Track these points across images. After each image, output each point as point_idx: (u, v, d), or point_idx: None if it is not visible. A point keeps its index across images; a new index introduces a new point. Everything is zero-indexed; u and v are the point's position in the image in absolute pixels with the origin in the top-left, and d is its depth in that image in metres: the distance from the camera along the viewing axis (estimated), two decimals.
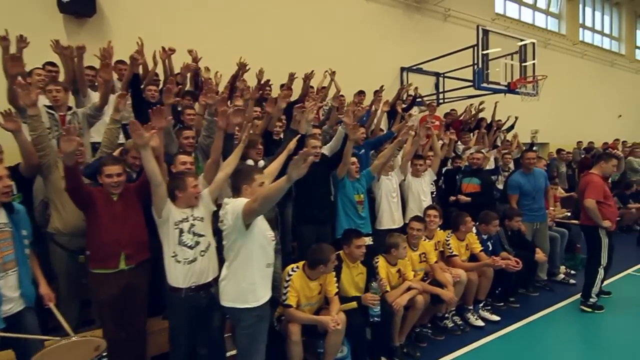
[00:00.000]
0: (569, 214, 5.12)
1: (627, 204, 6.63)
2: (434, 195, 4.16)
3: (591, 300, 3.58)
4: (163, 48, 4.07)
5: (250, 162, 2.85)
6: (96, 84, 3.54)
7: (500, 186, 4.89)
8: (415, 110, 6.56)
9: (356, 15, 7.20)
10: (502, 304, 3.73)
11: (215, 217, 2.13)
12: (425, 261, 3.25)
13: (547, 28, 11.37)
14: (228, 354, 2.42)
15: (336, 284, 2.61)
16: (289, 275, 2.48)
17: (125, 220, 2.26)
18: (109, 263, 2.21)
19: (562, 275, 4.42)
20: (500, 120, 6.72)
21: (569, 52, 11.62)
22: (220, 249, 2.08)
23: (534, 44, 6.86)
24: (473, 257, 3.58)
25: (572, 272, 4.58)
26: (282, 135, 3.34)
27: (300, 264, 2.54)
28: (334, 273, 2.58)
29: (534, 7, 11.11)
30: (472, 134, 5.94)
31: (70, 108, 2.87)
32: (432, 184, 4.12)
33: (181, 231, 2.10)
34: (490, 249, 3.68)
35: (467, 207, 3.95)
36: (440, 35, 8.29)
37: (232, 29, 5.77)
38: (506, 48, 6.72)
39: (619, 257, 4.48)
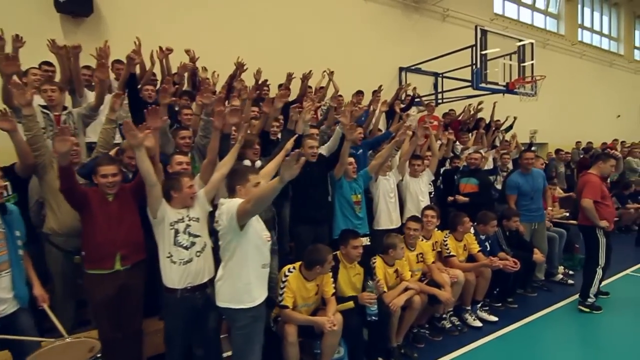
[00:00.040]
0: (567, 214, 5.12)
1: (626, 204, 6.63)
2: (432, 196, 4.16)
3: (589, 300, 3.57)
4: (160, 48, 4.05)
5: (247, 162, 2.84)
6: (93, 83, 3.53)
7: (499, 186, 4.88)
8: (413, 111, 6.55)
9: (355, 15, 7.19)
10: (500, 304, 3.72)
11: (212, 217, 2.12)
12: (423, 261, 3.24)
13: (546, 28, 11.38)
14: (224, 354, 2.41)
15: (333, 285, 2.60)
16: (286, 276, 2.47)
17: (120, 221, 2.24)
18: (105, 264, 2.20)
19: (560, 276, 4.41)
20: (498, 121, 6.72)
21: (568, 52, 11.63)
22: (217, 249, 2.08)
23: (532, 44, 6.86)
24: (471, 258, 3.57)
25: (571, 272, 4.58)
26: (279, 136, 3.33)
27: (297, 264, 2.53)
28: (330, 274, 2.57)
29: (532, 7, 11.12)
30: (470, 134, 5.94)
31: (65, 108, 2.85)
32: (430, 184, 4.12)
33: (177, 232, 2.09)
34: (488, 249, 3.67)
35: (465, 208, 3.94)
36: (438, 35, 8.29)
37: (230, 28, 5.75)
38: (505, 48, 6.72)
39: (618, 258, 4.48)
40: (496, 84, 6.61)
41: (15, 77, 2.56)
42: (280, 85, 4.96)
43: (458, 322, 3.30)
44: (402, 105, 5.61)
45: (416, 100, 6.58)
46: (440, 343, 3.09)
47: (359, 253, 2.70)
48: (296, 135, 2.97)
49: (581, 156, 8.19)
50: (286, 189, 3.16)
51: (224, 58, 4.60)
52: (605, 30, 13.64)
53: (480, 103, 6.31)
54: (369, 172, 3.41)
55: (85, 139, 3.33)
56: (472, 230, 3.64)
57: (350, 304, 2.62)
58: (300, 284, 2.46)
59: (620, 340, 3.13)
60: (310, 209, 3.09)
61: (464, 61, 6.67)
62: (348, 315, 2.51)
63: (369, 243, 3.24)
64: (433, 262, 3.27)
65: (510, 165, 5.27)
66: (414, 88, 6.68)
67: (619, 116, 13.31)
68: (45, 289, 2.55)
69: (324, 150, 3.59)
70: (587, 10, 12.83)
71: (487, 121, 6.28)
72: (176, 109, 3.58)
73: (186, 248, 2.10)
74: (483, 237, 3.69)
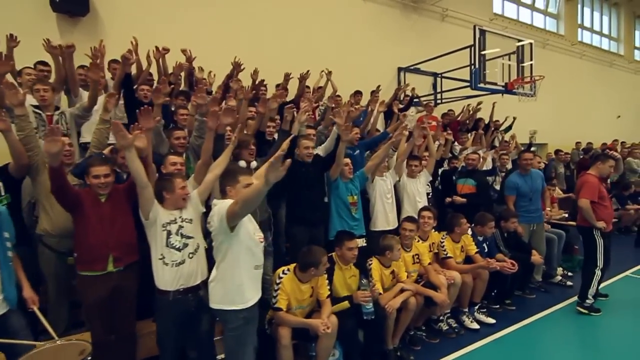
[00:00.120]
0: (566, 215, 5.09)
1: (626, 205, 6.59)
2: (429, 197, 4.13)
3: (587, 302, 3.54)
4: (157, 47, 4.04)
5: (242, 163, 2.82)
6: (88, 83, 3.51)
7: (498, 187, 4.85)
8: (412, 111, 6.53)
9: (353, 15, 7.17)
10: (497, 306, 3.70)
11: (206, 218, 2.10)
12: (419, 262, 3.21)
13: (546, 28, 11.35)
14: (218, 357, 2.39)
15: (328, 287, 2.58)
16: (280, 278, 2.45)
17: (113, 222, 2.22)
18: (97, 265, 2.17)
19: (559, 277, 4.39)
20: (498, 121, 6.69)
21: (568, 52, 11.60)
22: (212, 250, 2.04)
23: (531, 44, 6.83)
24: (468, 259, 3.55)
25: (569, 273, 4.55)
26: (275, 136, 3.31)
27: (292, 266, 2.51)
28: (325, 275, 2.55)
29: (532, 7, 11.09)
30: (469, 135, 5.91)
31: (57, 108, 2.83)
32: (427, 185, 4.10)
33: (169, 233, 2.07)
34: (486, 250, 3.65)
35: (463, 209, 3.92)
36: (437, 35, 8.27)
37: (227, 28, 5.73)
38: (504, 48, 6.70)
39: (617, 259, 4.46)
40: (495, 84, 6.59)
41: (7, 77, 2.54)
42: (278, 85, 4.95)
43: (455, 324, 3.27)
44: (401, 106, 5.58)
45: (415, 100, 6.56)
46: (437, 345, 3.06)
47: (354, 255, 2.68)
48: (292, 136, 2.95)
49: (581, 157, 8.15)
50: (282, 190, 3.14)
51: (222, 58, 4.58)
52: (605, 31, 13.61)
53: (479, 103, 6.29)
54: (365, 173, 3.39)
55: (81, 139, 3.33)
56: (469, 232, 3.62)
57: (346, 304, 2.60)
58: (295, 286, 2.44)
59: (620, 342, 3.10)
60: (306, 210, 3.06)
61: (463, 61, 6.65)
62: (343, 318, 2.49)
63: (365, 244, 3.21)
64: (429, 264, 3.24)
65: (509, 166, 5.25)
66: (413, 88, 6.66)
67: (619, 117, 13.28)
68: (38, 291, 2.54)
69: (320, 150, 3.58)
70: (587, 10, 12.80)
71: (486, 121, 6.25)
72: (172, 109, 3.56)
73: (178, 249, 2.08)
74: (481, 239, 3.66)
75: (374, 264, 2.93)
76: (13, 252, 2.01)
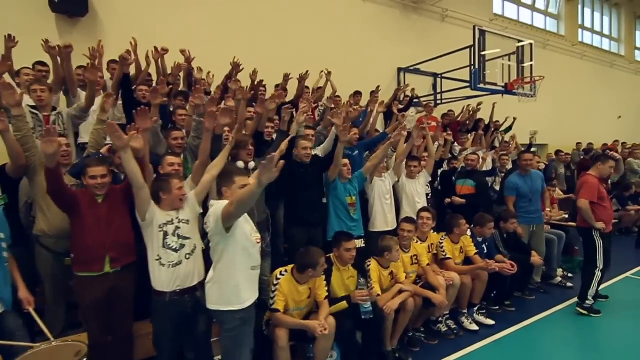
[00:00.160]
0: (566, 216, 5.07)
1: (626, 206, 6.57)
2: (429, 197, 4.12)
3: (587, 302, 3.53)
4: (156, 48, 4.04)
5: (240, 163, 2.81)
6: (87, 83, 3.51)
7: (498, 187, 4.84)
8: (412, 111, 6.52)
9: (353, 16, 7.16)
10: (497, 307, 3.68)
11: (203, 219, 2.09)
12: (417, 263, 3.20)
13: (546, 29, 11.34)
14: (215, 358, 2.37)
15: (326, 288, 2.56)
16: (277, 279, 2.44)
17: (110, 223, 2.21)
18: (94, 266, 2.17)
19: (559, 279, 4.37)
20: (498, 122, 6.68)
21: (568, 53, 11.58)
22: (210, 251, 2.04)
23: (531, 44, 6.82)
24: (468, 260, 3.53)
25: (570, 275, 4.53)
26: (274, 136, 3.30)
27: (289, 267, 2.50)
28: (323, 277, 2.54)
29: (532, 7, 11.08)
30: (469, 135, 5.90)
31: (55, 109, 2.83)
32: (427, 185, 4.08)
33: (165, 234, 2.06)
34: (486, 251, 3.63)
35: (463, 209, 3.91)
36: (437, 35, 8.26)
37: (226, 28, 5.73)
38: (504, 49, 6.69)
39: (618, 260, 4.43)
40: (495, 84, 6.57)
41: (5, 77, 2.54)
42: (277, 86, 4.94)
43: (454, 326, 3.26)
44: (400, 106, 5.58)
45: (415, 101, 6.55)
46: (435, 347, 3.04)
47: (352, 256, 2.66)
48: (291, 137, 2.94)
49: (581, 157, 8.13)
50: (281, 191, 3.13)
51: (221, 58, 4.58)
52: (606, 31, 13.59)
53: (479, 104, 6.28)
54: (364, 174, 3.38)
55: (79, 139, 3.33)
56: (468, 233, 3.60)
57: (344, 304, 2.59)
58: (292, 287, 2.43)
59: (620, 344, 3.08)
60: (304, 210, 3.05)
61: (464, 62, 6.64)
62: (341, 319, 2.47)
63: (364, 245, 3.20)
64: (428, 265, 3.23)
65: (509, 166, 5.23)
66: (413, 89, 6.66)
67: (620, 117, 13.25)
68: (35, 292, 2.53)
69: (319, 151, 3.57)
70: (587, 11, 12.77)
71: (487, 122, 6.24)
72: (171, 109, 3.56)
73: (175, 250, 2.07)
74: (480, 240, 3.65)
75: (373, 265, 2.91)
76: (8, 253, 2.01)
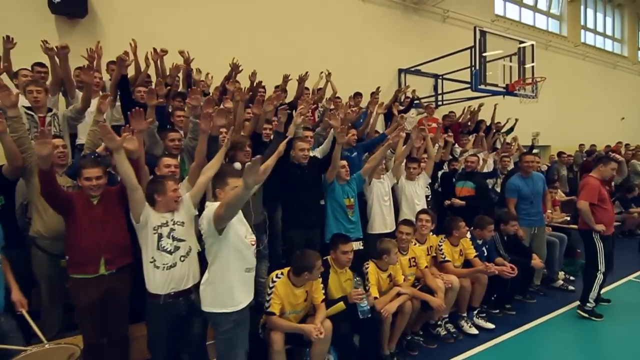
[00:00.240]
0: (568, 218, 5.02)
1: (629, 208, 6.50)
2: (429, 199, 4.09)
3: (588, 305, 3.49)
4: (155, 49, 4.03)
5: (237, 164, 2.79)
6: None
7: (499, 189, 4.79)
8: (413, 113, 6.50)
9: (353, 16, 7.14)
10: (497, 311, 3.64)
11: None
12: (415, 266, 3.17)
13: (548, 30, 11.28)
14: None
15: (323, 291, 2.54)
16: (273, 281, 2.41)
17: (105, 224, 2.20)
18: (89, 268, 2.15)
19: (560, 282, 4.32)
20: (499, 123, 6.64)
21: (571, 54, 11.52)
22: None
23: (533, 45, 6.78)
24: (467, 263, 3.49)
25: (572, 278, 4.48)
26: (272, 137, 3.28)
27: (285, 270, 2.47)
28: (320, 280, 2.51)
29: (534, 8, 11.02)
30: (470, 136, 5.86)
31: (50, 110, 2.82)
32: (427, 187, 4.05)
33: (160, 236, 2.04)
34: (486, 254, 3.59)
35: (463, 211, 3.87)
36: (438, 36, 8.22)
37: (226, 29, 5.72)
38: (506, 50, 6.65)
39: (621, 263, 4.39)
40: (496, 85, 6.53)
41: (1, 78, 2.53)
42: (277, 87, 4.94)
43: (453, 329, 3.22)
44: (401, 108, 5.56)
45: (415, 102, 6.52)
46: (434, 351, 3.01)
47: (349, 258, 2.64)
48: (288, 138, 2.92)
49: (584, 159, 8.06)
50: (278, 192, 3.11)
51: (221, 59, 4.57)
52: (609, 32, 13.51)
53: (480, 105, 6.24)
54: (362, 175, 3.35)
55: (77, 140, 3.32)
56: (468, 235, 3.57)
57: (341, 304, 2.56)
58: (289, 290, 2.40)
59: (622, 348, 3.03)
60: (300, 212, 3.03)
61: (465, 63, 6.60)
62: (338, 322, 2.45)
63: (362, 247, 3.17)
64: (426, 267, 3.19)
65: (511, 167, 5.18)
66: (414, 90, 6.63)
67: (623, 118, 13.16)
68: (31, 293, 2.52)
69: (317, 152, 3.55)
70: (590, 12, 12.70)
71: (488, 123, 6.20)
72: (169, 110, 3.55)
73: (170, 252, 2.05)
74: (480, 242, 3.61)
75: (371, 267, 2.89)
76: (2, 255, 2.00)
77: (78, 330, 2.50)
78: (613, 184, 6.37)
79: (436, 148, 4.23)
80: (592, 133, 10.87)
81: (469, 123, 6.22)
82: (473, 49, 6.31)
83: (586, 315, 3.48)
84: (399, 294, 2.83)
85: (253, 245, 1.97)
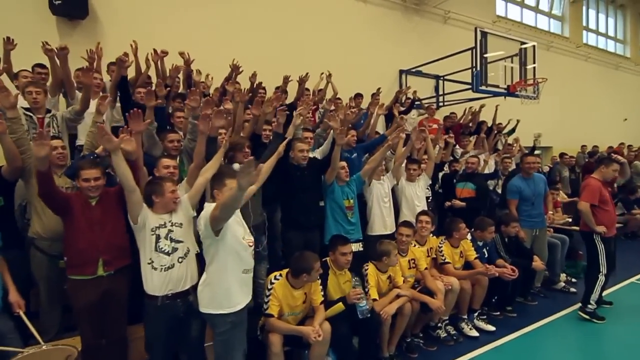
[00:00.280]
0: (570, 219, 4.99)
1: (632, 210, 6.46)
2: (429, 201, 4.07)
3: (589, 307, 3.46)
4: (155, 50, 4.04)
5: (236, 165, 2.79)
6: None
7: (500, 190, 4.77)
8: (414, 114, 6.48)
9: (354, 17, 7.14)
10: (498, 313, 3.61)
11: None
12: (415, 267, 3.15)
13: (550, 30, 11.24)
14: None
15: (322, 293, 2.52)
16: (272, 283, 2.40)
17: (103, 226, 2.20)
18: (87, 269, 2.15)
19: (562, 284, 4.29)
20: (500, 124, 6.62)
21: (573, 54, 11.48)
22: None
23: (534, 46, 6.76)
24: (468, 265, 3.47)
25: (573, 280, 4.45)
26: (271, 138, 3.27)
27: (284, 272, 2.46)
28: (319, 281, 2.50)
29: (536, 9, 11.00)
30: (471, 138, 5.83)
31: (49, 111, 2.83)
32: (427, 188, 4.04)
33: (158, 237, 2.04)
34: (486, 256, 3.58)
35: (463, 213, 3.85)
36: (440, 37, 8.21)
37: (227, 30, 5.73)
38: (508, 51, 6.64)
39: (623, 265, 4.35)
40: (497, 86, 6.51)
41: (1, 79, 2.53)
42: (277, 88, 4.93)
43: (454, 332, 3.20)
44: (402, 108, 5.54)
45: (417, 103, 6.50)
46: (434, 353, 3.00)
47: (348, 260, 2.63)
48: (287, 139, 2.92)
49: (586, 160, 8.02)
50: (277, 193, 3.10)
51: (221, 60, 4.57)
52: (611, 33, 13.45)
53: (482, 106, 6.22)
54: (362, 177, 3.34)
55: (77, 141, 3.33)
56: (469, 237, 3.55)
57: (340, 305, 2.55)
58: (287, 292, 2.39)
59: (624, 351, 3.01)
60: (300, 213, 3.02)
61: (466, 63, 6.59)
62: (337, 324, 2.44)
63: (362, 249, 3.16)
64: (426, 269, 3.18)
65: (512, 167, 5.16)
66: (415, 91, 6.62)
67: (625, 119, 13.09)
68: (29, 294, 2.52)
69: (317, 153, 3.54)
70: (592, 12, 12.66)
71: (489, 124, 6.17)
72: (170, 111, 3.55)
73: (167, 254, 2.05)
74: (480, 244, 3.59)
75: (370, 269, 2.87)
76: None
77: (77, 331, 2.50)
78: (615, 185, 6.33)
79: (437, 149, 4.21)
80: (595, 134, 10.82)
81: (470, 124, 6.20)
82: (474, 50, 6.29)
83: (588, 317, 3.45)
84: (398, 296, 2.82)
85: (251, 246, 1.97)
